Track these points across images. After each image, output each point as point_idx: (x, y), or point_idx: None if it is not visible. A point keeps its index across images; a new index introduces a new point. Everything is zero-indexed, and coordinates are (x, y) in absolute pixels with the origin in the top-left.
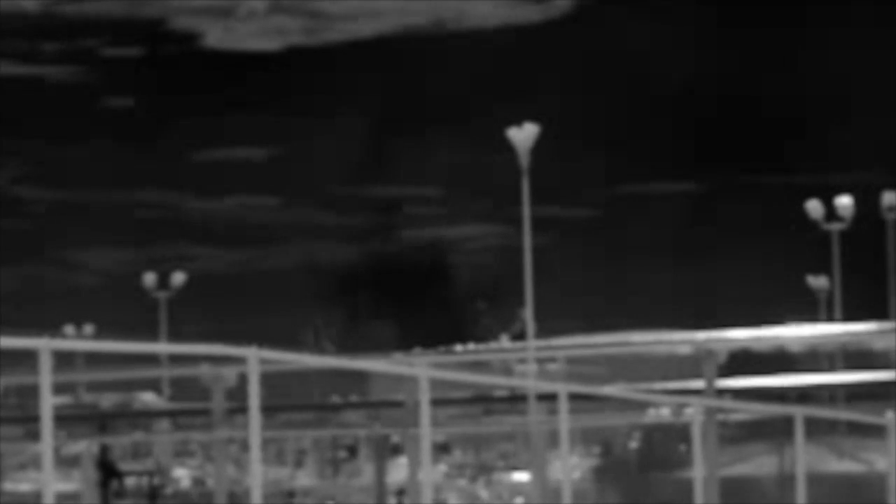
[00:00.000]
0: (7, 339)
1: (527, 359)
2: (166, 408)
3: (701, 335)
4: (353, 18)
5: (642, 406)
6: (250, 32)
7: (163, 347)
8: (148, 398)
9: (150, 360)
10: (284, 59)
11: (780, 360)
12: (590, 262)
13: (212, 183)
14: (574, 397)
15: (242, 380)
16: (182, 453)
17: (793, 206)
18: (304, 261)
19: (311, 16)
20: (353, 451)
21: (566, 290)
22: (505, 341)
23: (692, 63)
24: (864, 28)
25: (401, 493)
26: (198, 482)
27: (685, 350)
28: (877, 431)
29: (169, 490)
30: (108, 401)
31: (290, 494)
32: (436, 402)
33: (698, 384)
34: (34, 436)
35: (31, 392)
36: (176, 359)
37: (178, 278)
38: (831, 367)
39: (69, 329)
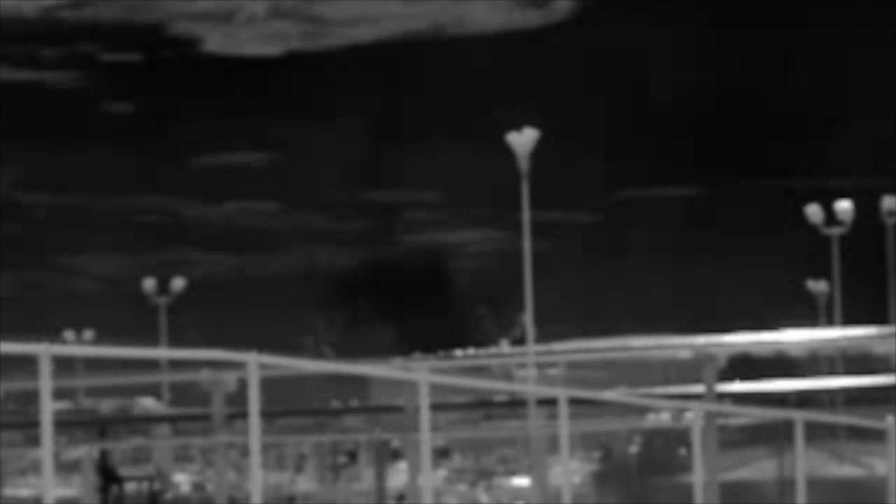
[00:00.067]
0: (7, 345)
1: (527, 363)
2: (166, 413)
3: (701, 339)
4: (352, 23)
5: (642, 411)
6: (250, 37)
7: (163, 353)
8: (148, 403)
9: (150, 365)
10: (284, 63)
11: (780, 364)
12: (590, 267)
13: (211, 188)
14: (574, 402)
15: (242, 385)
16: (182, 458)
17: (793, 211)
18: (304, 266)
19: (311, 21)
20: (353, 455)
21: (566, 294)
22: (505, 346)
23: (692, 69)
24: (864, 31)
25: (401, 497)
26: (198, 487)
27: (685, 354)
28: (877, 435)
29: (169, 495)
30: (107, 406)
31: (291, 499)
32: (436, 407)
33: (698, 388)
34: (34, 441)
35: (31, 397)
36: (176, 364)
37: (178, 283)
38: (831, 372)
39: (69, 334)
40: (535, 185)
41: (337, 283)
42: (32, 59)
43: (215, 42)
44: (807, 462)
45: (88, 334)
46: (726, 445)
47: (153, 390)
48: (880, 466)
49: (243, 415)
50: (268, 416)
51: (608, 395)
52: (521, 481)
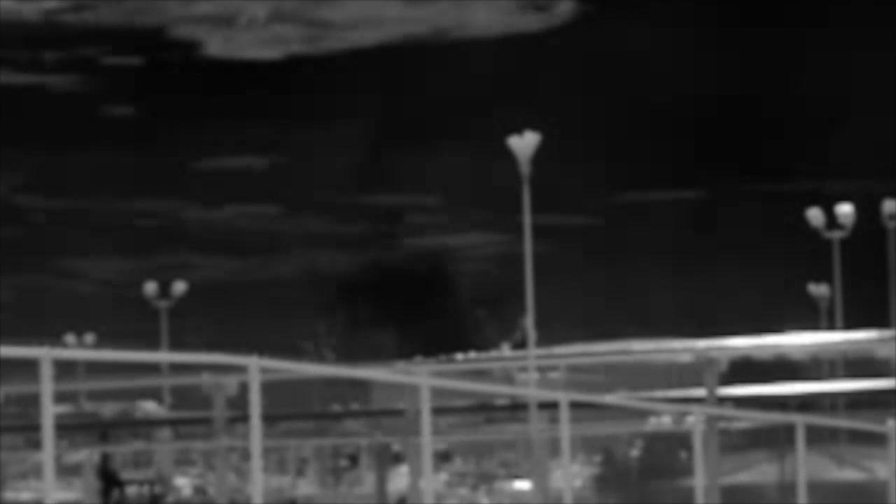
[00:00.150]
0: (8, 349)
1: (528, 367)
2: (167, 416)
3: (702, 343)
4: (353, 27)
5: (643, 414)
6: (251, 41)
7: (164, 356)
8: (149, 407)
9: (151, 369)
10: (285, 67)
11: (781, 368)
12: (590, 270)
13: (212, 191)
14: (575, 406)
15: (243, 389)
16: (183, 462)
17: (794, 214)
18: (305, 269)
19: (312, 24)
20: (354, 459)
21: (567, 297)
22: (506, 349)
23: (692, 72)
24: (865, 31)
25: (402, 501)
26: (199, 491)
27: (686, 358)
28: (878, 439)
29: (170, 499)
30: (109, 410)
31: (292, 503)
32: (437, 411)
33: (699, 392)
34: (35, 445)
35: (33, 401)
36: (177, 368)
37: (179, 287)
38: (832, 376)
39: (70, 338)
40: (535, 188)
41: (337, 287)
42: (33, 63)
43: (216, 45)
44: (808, 466)
45: (89, 338)
46: (727, 449)
47: (154, 394)
48: (881, 470)
49: (244, 418)
50: (269, 419)
51: (609, 398)
52: (523, 485)
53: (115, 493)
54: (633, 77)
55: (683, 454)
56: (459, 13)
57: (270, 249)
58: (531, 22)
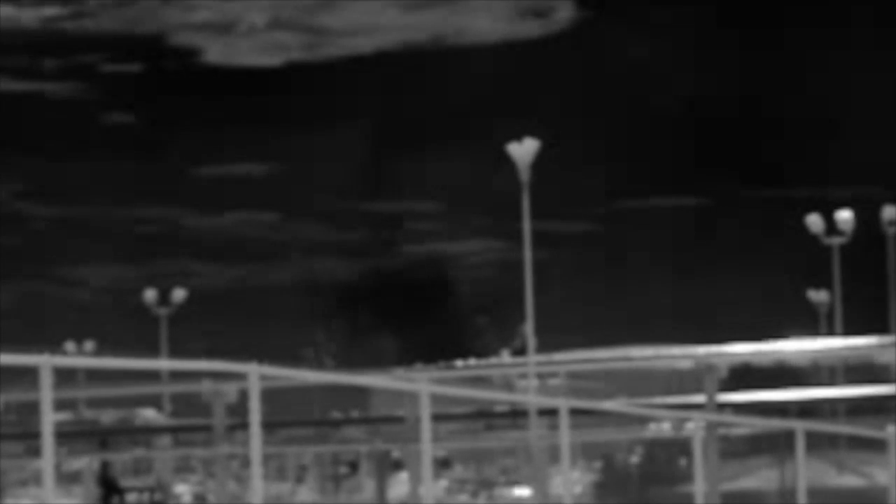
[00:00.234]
0: (7, 356)
1: (528, 374)
2: (167, 424)
3: (701, 350)
4: (353, 34)
5: (643, 421)
6: (250, 48)
7: (163, 364)
8: (149, 414)
9: (151, 376)
10: (284, 74)
11: (780, 374)
12: (590, 277)
13: (212, 199)
14: (575, 412)
15: (243, 396)
16: (183, 469)
17: (793, 220)
18: (305, 276)
19: (312, 31)
20: (354, 466)
21: (567, 304)
22: (506, 356)
23: (692, 79)
24: (865, 30)
25: None
26: (199, 498)
27: (686, 365)
28: (878, 445)
29: None
30: (108, 417)
31: None
32: (437, 418)
33: (699, 399)
34: (35, 452)
35: (32, 408)
36: (177, 375)
37: (179, 294)
38: (832, 382)
39: (70, 345)
40: (535, 195)
41: (337, 294)
42: (33, 70)
43: (216, 53)
44: (808, 472)
45: (89, 345)
46: (727, 455)
47: (154, 401)
48: (881, 476)
49: (244, 425)
50: (269, 426)
51: (609, 405)
52: (523, 491)
53: (115, 501)
54: (633, 84)
55: (683, 460)
56: (459, 20)
57: (270, 256)
58: (531, 28)
